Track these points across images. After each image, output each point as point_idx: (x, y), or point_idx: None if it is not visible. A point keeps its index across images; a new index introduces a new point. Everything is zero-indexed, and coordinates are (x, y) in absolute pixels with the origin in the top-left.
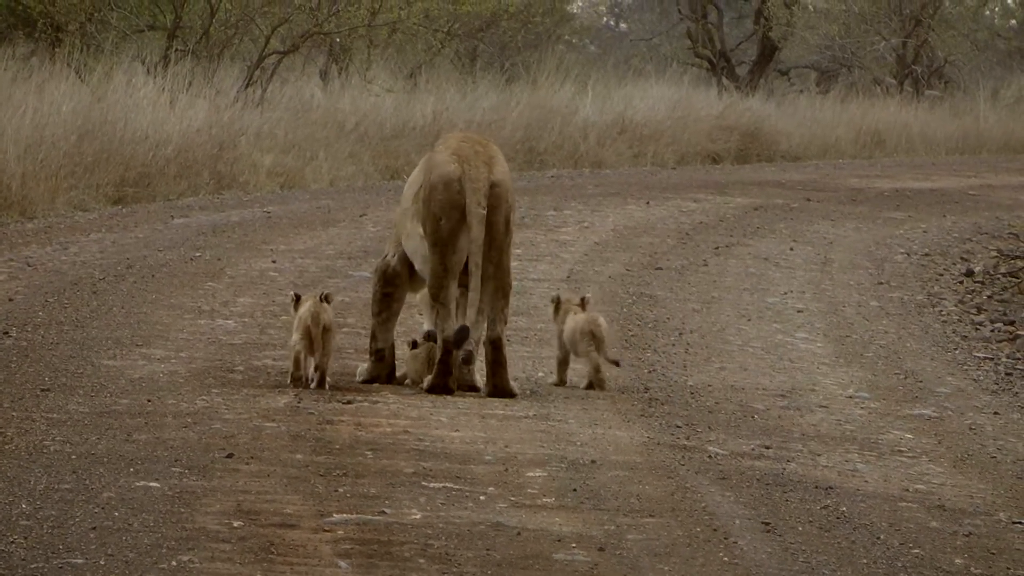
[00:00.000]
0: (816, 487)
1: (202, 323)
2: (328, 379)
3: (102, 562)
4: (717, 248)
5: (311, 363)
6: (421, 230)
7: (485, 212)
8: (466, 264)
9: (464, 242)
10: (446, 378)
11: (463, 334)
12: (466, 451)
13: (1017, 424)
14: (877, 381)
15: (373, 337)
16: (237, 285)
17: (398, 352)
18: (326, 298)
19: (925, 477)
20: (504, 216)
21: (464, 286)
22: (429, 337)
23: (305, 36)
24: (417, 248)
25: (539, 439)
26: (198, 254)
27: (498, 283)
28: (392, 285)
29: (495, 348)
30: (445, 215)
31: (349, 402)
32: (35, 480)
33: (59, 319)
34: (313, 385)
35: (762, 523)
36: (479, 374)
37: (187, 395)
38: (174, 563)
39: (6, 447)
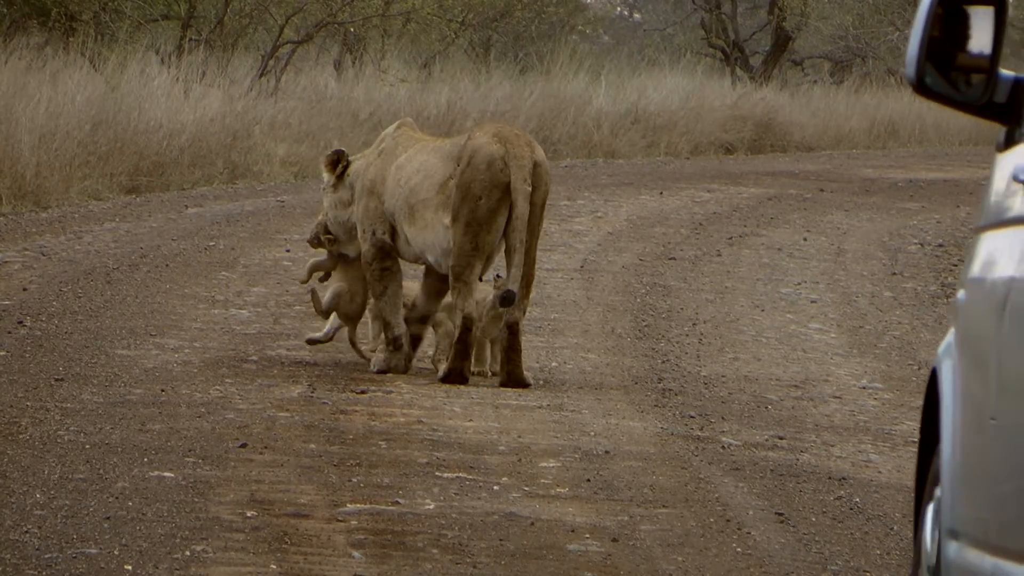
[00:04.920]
0: (829, 478)
1: (216, 313)
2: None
3: (116, 552)
4: (731, 238)
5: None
6: (447, 220)
7: (531, 189)
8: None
9: (500, 222)
10: (464, 362)
11: (510, 296)
12: (480, 441)
13: None
14: (890, 372)
15: (386, 325)
16: (251, 275)
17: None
18: None
19: None
20: (542, 198)
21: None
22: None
23: (319, 26)
24: (438, 240)
25: (553, 429)
26: (212, 244)
27: (524, 270)
28: (389, 258)
29: (511, 333)
30: (486, 195)
31: (363, 392)
32: (49, 470)
33: (73, 309)
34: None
35: (775, 514)
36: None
37: (201, 385)
38: (188, 553)
39: (20, 437)
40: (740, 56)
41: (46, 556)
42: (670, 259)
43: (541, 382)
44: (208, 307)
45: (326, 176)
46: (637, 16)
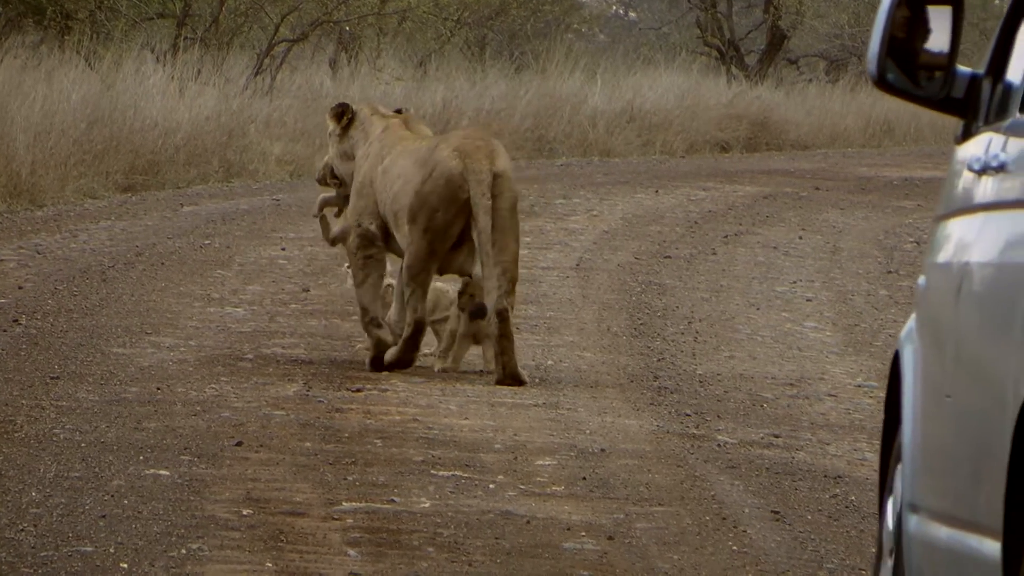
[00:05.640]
0: (825, 476)
1: (211, 311)
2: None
3: (112, 550)
4: (726, 237)
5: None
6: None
7: (491, 203)
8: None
9: (455, 232)
10: (412, 354)
11: (481, 311)
12: (475, 439)
13: None
14: (886, 370)
15: (363, 309)
16: (246, 273)
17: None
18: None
19: None
20: (508, 204)
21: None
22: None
23: (315, 24)
24: None
25: (548, 427)
26: (207, 242)
27: (505, 266)
28: (373, 247)
29: (502, 320)
30: (443, 208)
31: (358, 390)
32: (44, 468)
33: (68, 307)
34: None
35: (771, 512)
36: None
37: (196, 383)
38: (183, 551)
39: (16, 435)
40: (735, 55)
41: (42, 554)
42: (665, 257)
43: (537, 380)
44: (204, 305)
45: (331, 126)
46: (633, 15)
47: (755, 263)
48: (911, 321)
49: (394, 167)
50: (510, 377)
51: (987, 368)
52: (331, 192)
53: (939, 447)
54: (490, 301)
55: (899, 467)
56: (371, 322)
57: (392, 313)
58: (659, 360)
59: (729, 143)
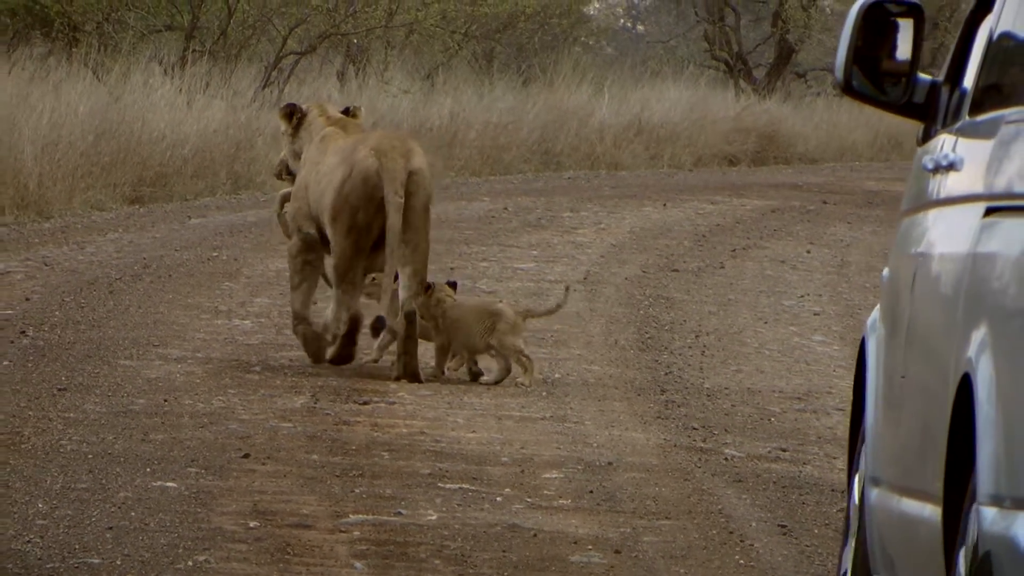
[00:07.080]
0: (832, 490)
1: (219, 323)
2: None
3: (118, 562)
4: (734, 250)
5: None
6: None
7: (403, 201)
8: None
9: (377, 228)
10: (350, 349)
11: (380, 323)
12: (482, 452)
13: None
14: None
15: (296, 315)
16: (254, 285)
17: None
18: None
19: None
20: (421, 203)
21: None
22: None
23: (322, 37)
24: None
25: (555, 441)
26: (215, 254)
27: (415, 267)
28: (312, 252)
29: (409, 322)
30: (363, 207)
31: (365, 403)
32: (51, 480)
33: (76, 319)
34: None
35: (778, 526)
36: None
37: (204, 395)
38: (190, 563)
39: (23, 446)
40: (743, 68)
41: (48, 566)
42: (673, 271)
43: (544, 393)
44: (211, 317)
45: (283, 126)
46: (640, 28)
47: (763, 277)
48: (875, 312)
49: (323, 167)
50: (409, 375)
51: (933, 350)
52: (290, 188)
53: (894, 424)
54: (384, 303)
55: (864, 446)
56: (302, 323)
57: (328, 313)
58: (666, 373)
59: (737, 156)
